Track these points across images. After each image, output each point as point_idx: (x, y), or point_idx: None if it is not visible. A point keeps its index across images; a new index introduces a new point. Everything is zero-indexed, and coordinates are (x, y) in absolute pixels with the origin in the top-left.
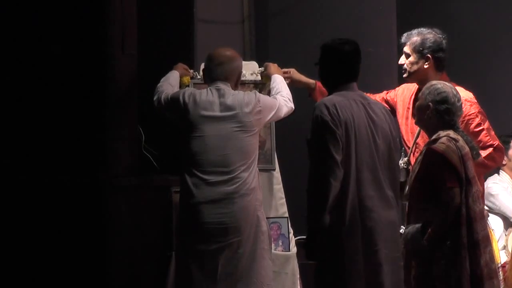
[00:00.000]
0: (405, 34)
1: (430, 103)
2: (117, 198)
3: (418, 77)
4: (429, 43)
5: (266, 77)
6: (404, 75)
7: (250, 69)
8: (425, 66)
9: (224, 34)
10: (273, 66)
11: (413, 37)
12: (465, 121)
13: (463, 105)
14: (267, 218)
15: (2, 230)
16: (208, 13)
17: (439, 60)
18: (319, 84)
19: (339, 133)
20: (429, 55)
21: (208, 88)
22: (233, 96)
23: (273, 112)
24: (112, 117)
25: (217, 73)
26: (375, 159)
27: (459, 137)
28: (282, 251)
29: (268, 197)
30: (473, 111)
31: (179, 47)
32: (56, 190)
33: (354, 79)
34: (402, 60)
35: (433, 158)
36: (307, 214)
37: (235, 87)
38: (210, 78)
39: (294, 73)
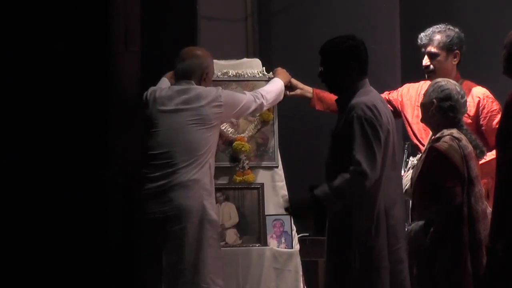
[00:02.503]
0: (423, 36)
1: (434, 100)
2: (119, 195)
3: (444, 75)
4: (456, 39)
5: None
6: (431, 76)
7: (252, 67)
8: (454, 62)
9: (227, 31)
10: (280, 71)
11: (436, 36)
12: (488, 117)
13: (484, 101)
14: (270, 215)
15: (7, 228)
16: (211, 10)
17: (462, 55)
18: (316, 91)
19: (382, 135)
20: (457, 51)
21: (171, 86)
22: (192, 90)
23: (238, 108)
24: (115, 114)
25: (179, 70)
26: (395, 157)
27: (462, 136)
28: (285, 248)
29: (271, 194)
30: (495, 108)
31: (182, 44)
32: (59, 187)
33: (366, 72)
34: (426, 61)
35: (435, 157)
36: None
37: (200, 85)
38: (175, 76)
39: (291, 80)
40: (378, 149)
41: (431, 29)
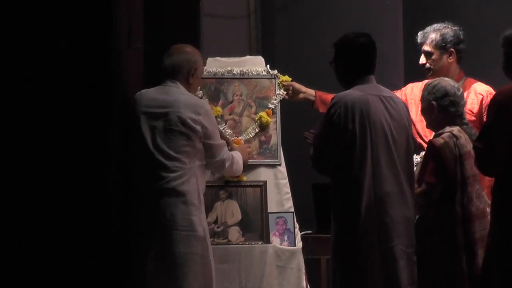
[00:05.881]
0: (420, 34)
1: (433, 102)
2: (120, 193)
3: (442, 73)
4: (450, 37)
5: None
6: (428, 74)
7: (255, 64)
8: (449, 61)
9: (230, 28)
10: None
11: (431, 35)
12: None
13: (488, 98)
14: (272, 213)
15: (7, 227)
16: (214, 8)
17: (461, 52)
18: (319, 93)
19: (344, 132)
20: (452, 49)
21: (158, 86)
22: (177, 95)
23: (209, 140)
24: (118, 112)
25: (166, 65)
26: (393, 155)
27: (462, 135)
28: (288, 246)
29: (274, 192)
30: None
31: (185, 41)
32: (58, 184)
33: (371, 72)
34: (423, 60)
35: (428, 151)
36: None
37: (187, 85)
38: (163, 74)
39: (294, 84)
40: (325, 142)
41: (429, 27)
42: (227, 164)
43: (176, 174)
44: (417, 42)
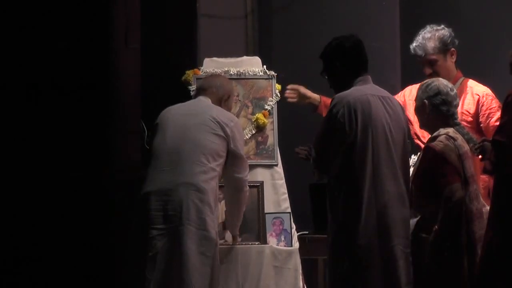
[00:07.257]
0: (415, 47)
1: (425, 101)
2: (120, 193)
3: (445, 74)
4: (447, 38)
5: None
6: (433, 77)
7: (252, 65)
8: (452, 60)
9: (227, 29)
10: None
11: (429, 44)
12: (486, 115)
13: (484, 98)
14: (269, 213)
15: (6, 227)
16: (211, 8)
17: (457, 49)
18: (323, 98)
19: (348, 131)
20: (453, 48)
21: (189, 101)
22: (209, 106)
23: (236, 149)
24: (115, 112)
25: (202, 84)
26: (393, 154)
27: (458, 136)
28: (284, 246)
29: (271, 192)
30: (494, 105)
31: (182, 41)
32: (59, 184)
33: (367, 69)
34: (429, 70)
35: (431, 156)
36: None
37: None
38: (196, 92)
39: (300, 88)
40: (328, 143)
41: (420, 38)
42: (245, 188)
43: (200, 170)
44: (415, 54)
